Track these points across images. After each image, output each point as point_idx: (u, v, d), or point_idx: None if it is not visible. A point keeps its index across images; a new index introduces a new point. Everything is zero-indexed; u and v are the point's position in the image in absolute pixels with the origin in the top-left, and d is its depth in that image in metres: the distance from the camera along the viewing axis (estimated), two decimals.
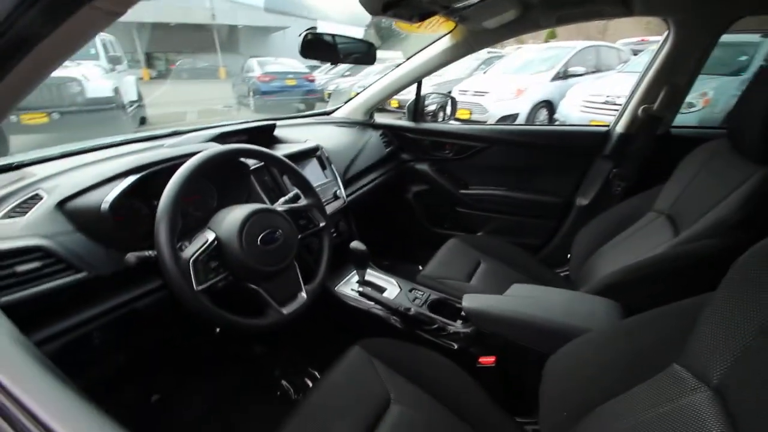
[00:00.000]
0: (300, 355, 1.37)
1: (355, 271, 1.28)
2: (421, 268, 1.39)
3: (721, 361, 0.46)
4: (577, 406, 0.62)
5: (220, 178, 1.06)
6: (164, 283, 0.76)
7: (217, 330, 1.25)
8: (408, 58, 1.69)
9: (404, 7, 1.06)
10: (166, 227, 0.72)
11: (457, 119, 5.75)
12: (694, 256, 0.91)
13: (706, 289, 0.52)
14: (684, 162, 1.16)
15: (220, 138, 1.16)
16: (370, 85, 1.83)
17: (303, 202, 1.04)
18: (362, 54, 1.44)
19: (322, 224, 1.03)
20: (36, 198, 0.83)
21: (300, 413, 0.78)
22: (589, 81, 5.49)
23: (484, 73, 6.92)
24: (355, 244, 1.17)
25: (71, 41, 0.43)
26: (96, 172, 0.87)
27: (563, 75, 5.89)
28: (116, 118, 5.10)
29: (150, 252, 0.75)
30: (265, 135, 1.38)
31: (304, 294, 0.93)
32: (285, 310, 0.87)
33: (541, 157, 1.71)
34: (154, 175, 0.87)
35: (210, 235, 0.80)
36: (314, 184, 1.27)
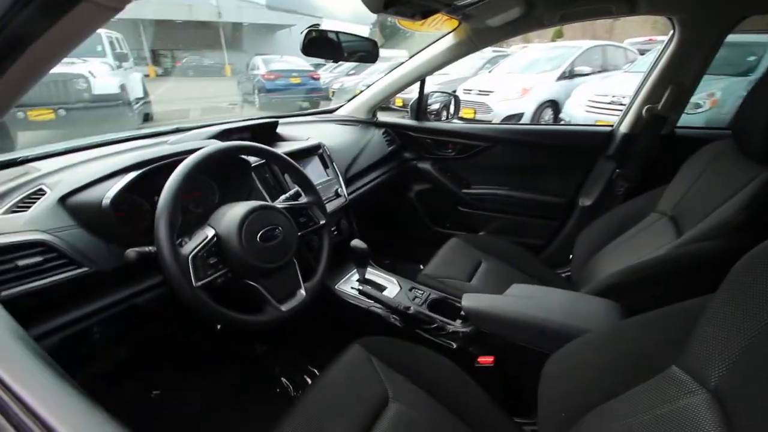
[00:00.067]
0: (300, 352, 1.37)
1: (355, 270, 1.28)
2: (422, 267, 1.39)
3: (720, 363, 0.46)
4: (575, 406, 0.62)
5: (221, 175, 1.06)
6: (164, 279, 0.76)
7: (218, 327, 1.26)
8: (411, 57, 1.68)
9: (406, 5, 1.05)
10: (165, 223, 0.72)
11: (462, 118, 5.74)
12: (696, 257, 0.90)
13: (708, 291, 0.52)
14: (688, 163, 1.15)
15: (223, 135, 1.16)
16: (373, 83, 1.83)
17: (303, 199, 1.04)
18: (365, 52, 1.44)
19: (322, 222, 1.03)
20: (39, 193, 0.84)
21: (298, 411, 0.78)
22: (595, 81, 5.46)
23: (489, 72, 6.89)
24: (356, 243, 1.17)
25: (70, 37, 0.43)
26: (99, 167, 0.88)
27: (569, 74, 5.85)
28: (122, 114, 5.14)
29: (150, 248, 0.75)
30: (267, 132, 1.38)
31: (303, 291, 0.93)
32: (284, 308, 0.87)
33: (544, 156, 1.71)
34: (155, 172, 0.87)
35: (210, 232, 0.80)
36: (315, 182, 1.28)
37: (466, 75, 7.04)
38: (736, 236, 0.88)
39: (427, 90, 1.87)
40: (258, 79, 8.58)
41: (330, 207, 1.31)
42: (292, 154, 1.22)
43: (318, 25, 1.25)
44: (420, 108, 1.86)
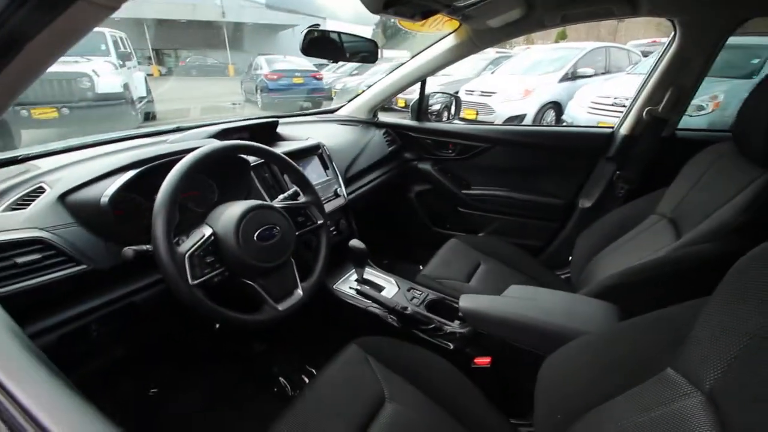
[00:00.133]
0: (297, 352, 1.37)
1: (354, 270, 1.28)
2: (421, 267, 1.39)
3: (715, 366, 0.46)
4: (571, 408, 0.62)
5: (220, 174, 1.07)
6: (161, 278, 0.77)
7: (216, 326, 1.26)
8: (412, 57, 1.68)
9: (406, 5, 1.05)
10: (162, 222, 0.73)
11: (464, 119, 5.75)
12: (696, 259, 0.90)
13: (707, 293, 0.51)
14: (688, 165, 1.15)
15: (222, 134, 1.16)
16: (374, 83, 1.84)
17: (302, 199, 1.04)
18: (365, 52, 1.44)
19: (320, 222, 1.03)
20: (39, 191, 0.85)
21: (295, 410, 0.78)
22: (598, 82, 5.44)
23: (492, 73, 6.88)
24: (354, 243, 1.17)
25: (66, 36, 0.43)
26: (98, 166, 0.88)
27: (572, 76, 5.84)
28: (125, 113, 5.16)
29: (147, 246, 0.75)
30: (267, 132, 1.39)
31: (300, 291, 0.93)
32: (280, 307, 0.87)
33: (544, 158, 1.70)
34: (154, 170, 0.87)
35: (207, 231, 0.80)
36: (315, 182, 1.29)
37: (468, 76, 7.04)
38: (735, 238, 0.88)
39: (428, 91, 1.87)
40: (261, 78, 8.60)
41: (329, 207, 1.32)
42: (291, 154, 1.22)
43: (318, 25, 1.26)
44: (421, 108, 1.87)
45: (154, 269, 0.75)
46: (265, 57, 9.15)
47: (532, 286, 1.03)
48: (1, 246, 0.69)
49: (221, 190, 1.07)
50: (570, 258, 1.38)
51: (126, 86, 5.33)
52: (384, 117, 1.94)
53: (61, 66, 4.50)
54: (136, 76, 6.32)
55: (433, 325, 1.10)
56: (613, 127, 1.59)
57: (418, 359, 0.94)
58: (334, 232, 1.38)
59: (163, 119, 6.54)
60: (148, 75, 8.87)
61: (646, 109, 1.43)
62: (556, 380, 0.69)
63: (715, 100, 3.79)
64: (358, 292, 1.21)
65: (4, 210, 0.79)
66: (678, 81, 1.36)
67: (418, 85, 1.77)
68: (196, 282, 0.75)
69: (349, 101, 1.92)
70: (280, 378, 1.31)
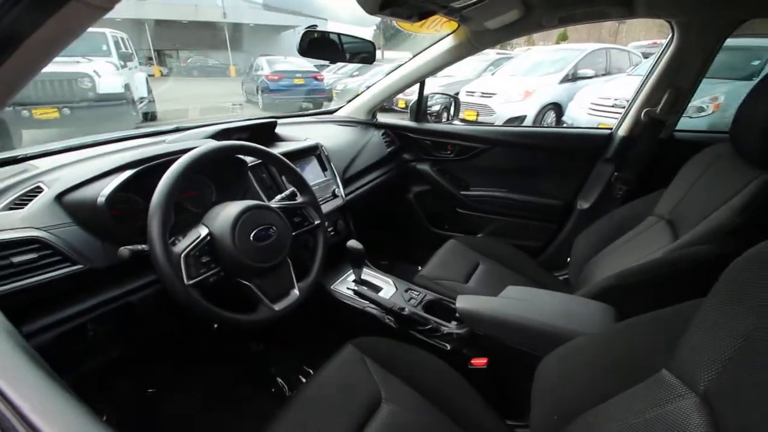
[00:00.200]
0: (295, 353, 1.37)
1: (351, 270, 1.28)
2: (420, 268, 1.39)
3: (709, 368, 0.46)
4: (567, 409, 0.62)
5: (218, 175, 1.07)
6: (158, 278, 0.77)
7: (215, 326, 1.26)
8: (410, 58, 1.69)
9: (402, 6, 1.06)
10: (158, 222, 0.73)
11: (465, 120, 5.75)
12: (692, 260, 0.90)
13: (704, 295, 0.51)
14: (686, 166, 1.15)
15: (221, 135, 1.17)
16: (373, 84, 1.84)
17: (299, 199, 1.04)
18: (362, 53, 1.44)
19: (316, 222, 1.03)
20: (37, 190, 0.85)
21: (291, 410, 0.78)
22: (599, 84, 5.44)
23: (492, 74, 6.88)
24: (352, 243, 1.17)
25: (60, 36, 0.43)
26: (96, 166, 0.89)
27: (572, 77, 5.84)
28: (126, 114, 5.17)
29: (143, 246, 0.76)
30: (265, 132, 1.39)
31: (296, 291, 0.93)
32: (277, 307, 0.87)
33: (542, 159, 1.70)
34: (151, 171, 0.88)
35: (203, 231, 0.80)
36: (313, 183, 1.29)
37: (469, 77, 7.04)
38: (732, 240, 0.88)
39: (428, 92, 1.88)
40: (262, 79, 8.62)
41: (327, 207, 1.32)
42: (289, 155, 1.22)
43: (316, 26, 1.26)
44: (419, 109, 1.87)
45: (150, 269, 0.75)
46: (266, 58, 9.16)
47: (528, 287, 1.03)
48: None
49: (219, 190, 1.08)
50: (568, 259, 1.38)
51: (127, 87, 5.34)
52: (383, 118, 1.95)
53: (62, 66, 4.52)
54: (137, 76, 6.34)
55: (430, 326, 1.10)
56: (610, 128, 1.59)
57: (415, 360, 0.94)
58: (332, 233, 1.38)
59: (163, 119, 6.56)
60: (150, 75, 8.90)
61: (644, 111, 1.43)
62: (552, 381, 0.69)
63: (715, 102, 3.79)
64: (356, 292, 1.21)
65: (2, 209, 0.79)
66: (676, 82, 1.36)
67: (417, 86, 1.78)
68: (191, 282, 0.75)
69: (348, 102, 1.92)
70: (277, 378, 1.31)
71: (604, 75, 5.99)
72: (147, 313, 0.91)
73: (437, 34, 1.58)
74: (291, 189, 1.06)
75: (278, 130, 1.45)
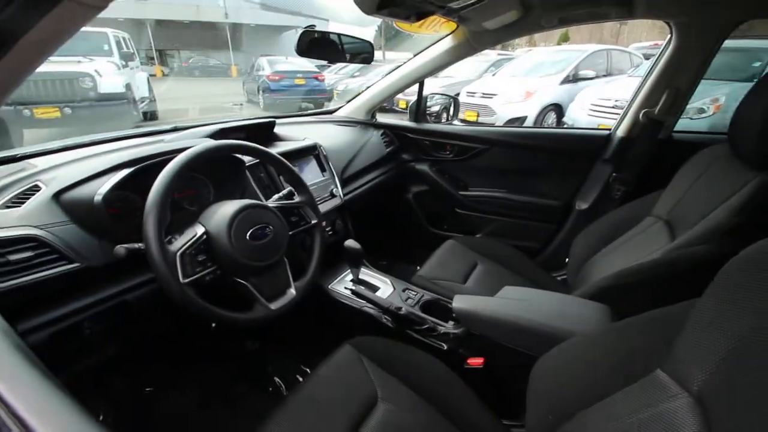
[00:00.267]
0: (293, 352, 1.37)
1: (349, 270, 1.28)
2: (419, 268, 1.39)
3: (702, 368, 0.46)
4: (562, 409, 0.62)
5: (215, 174, 1.07)
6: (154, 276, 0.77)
7: (213, 325, 1.26)
8: (409, 59, 1.69)
9: (400, 7, 1.06)
10: (153, 220, 0.73)
11: (465, 121, 5.75)
12: (690, 261, 0.90)
13: (701, 295, 0.52)
14: (684, 167, 1.15)
15: (219, 134, 1.17)
16: (372, 84, 1.84)
17: (297, 199, 1.04)
18: (360, 53, 1.45)
19: (313, 222, 1.03)
20: (35, 189, 0.85)
21: (287, 409, 0.78)
22: (599, 85, 5.44)
23: (493, 75, 6.88)
24: (350, 243, 1.17)
25: (54, 36, 0.43)
26: (94, 165, 0.89)
27: (573, 78, 5.83)
28: (127, 113, 5.18)
29: (139, 244, 0.76)
30: (263, 132, 1.39)
31: (293, 290, 0.93)
32: (273, 306, 0.87)
33: (541, 159, 1.70)
34: (148, 169, 0.88)
35: (199, 229, 0.81)
36: (311, 182, 1.29)
37: (470, 78, 7.04)
38: (729, 240, 0.87)
39: (428, 92, 1.88)
40: (263, 79, 8.64)
41: (325, 207, 1.32)
42: (287, 154, 1.22)
43: (314, 26, 1.26)
44: (419, 110, 1.87)
45: (147, 268, 0.75)
46: (267, 58, 9.18)
47: (525, 288, 1.03)
48: None
49: (216, 189, 1.08)
50: (567, 260, 1.37)
51: (128, 86, 5.36)
52: (383, 118, 1.95)
53: (63, 66, 4.54)
54: (138, 76, 6.36)
55: (427, 326, 1.10)
56: (609, 129, 1.59)
57: (412, 360, 0.94)
58: (330, 233, 1.38)
59: (164, 119, 6.58)
60: (151, 75, 8.93)
61: (643, 111, 1.43)
62: (547, 381, 0.69)
63: (716, 103, 3.78)
64: (353, 292, 1.21)
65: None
66: (674, 83, 1.36)
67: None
68: (187, 280, 0.75)
69: (347, 102, 1.92)
70: (275, 378, 1.31)
71: (605, 76, 5.98)
72: (144, 311, 0.91)
73: (437, 35, 1.58)
74: (288, 188, 1.06)
75: (277, 129, 1.45)
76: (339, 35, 1.36)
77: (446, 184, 1.86)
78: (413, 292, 1.25)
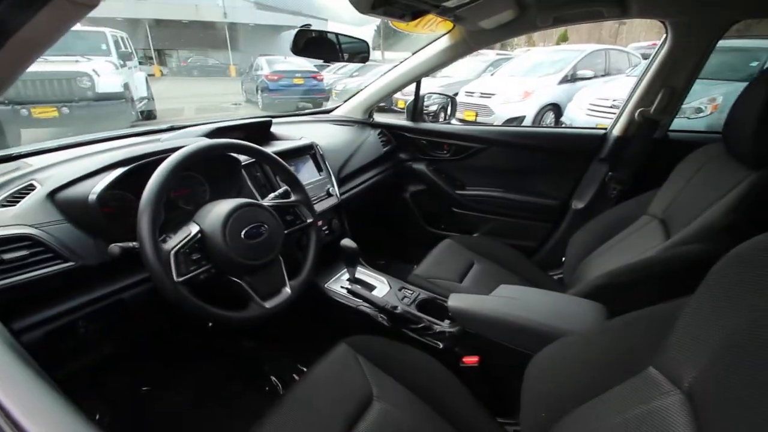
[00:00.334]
0: (289, 351, 1.37)
1: (346, 269, 1.28)
2: (416, 267, 1.39)
3: (694, 365, 0.46)
4: (556, 407, 0.62)
5: (211, 173, 1.07)
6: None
7: (210, 324, 1.26)
8: (406, 58, 1.69)
9: (394, 6, 1.06)
10: (147, 219, 0.73)
11: (464, 121, 5.76)
12: (684, 259, 0.90)
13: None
14: (679, 166, 1.16)
15: (216, 133, 1.17)
16: (370, 84, 1.84)
17: (292, 198, 1.05)
18: (356, 52, 1.44)
19: (309, 221, 1.04)
20: (30, 188, 0.85)
21: (282, 407, 0.78)
22: (598, 84, 5.45)
23: (492, 75, 6.89)
24: (346, 242, 1.17)
25: (45, 34, 0.43)
26: (89, 164, 0.89)
27: (571, 78, 5.85)
28: (125, 113, 5.18)
29: (134, 243, 0.76)
30: (260, 131, 1.39)
31: (288, 289, 0.93)
32: (268, 304, 0.87)
33: (538, 159, 1.71)
34: (144, 168, 0.88)
35: (194, 228, 0.81)
36: (308, 182, 1.29)
37: (468, 78, 7.04)
38: (723, 238, 0.88)
39: (425, 92, 1.88)
40: (261, 79, 8.64)
41: (321, 206, 1.32)
42: (284, 153, 1.22)
43: (310, 25, 1.26)
44: (416, 109, 1.87)
45: (142, 266, 0.75)
46: (266, 58, 9.17)
47: (521, 286, 1.03)
48: None
49: (212, 188, 1.08)
50: (563, 259, 1.38)
51: (126, 86, 5.35)
52: (380, 117, 1.95)
53: (61, 65, 4.53)
54: (136, 76, 6.35)
55: (422, 325, 1.10)
56: (605, 129, 1.59)
57: (407, 358, 0.94)
58: (326, 232, 1.38)
59: (162, 119, 6.57)
60: (150, 75, 8.91)
61: (639, 111, 1.43)
62: (541, 379, 0.69)
63: (713, 103, 3.79)
64: (349, 291, 1.21)
65: None
66: (670, 82, 1.37)
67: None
68: (181, 279, 0.75)
69: (345, 101, 1.92)
70: (271, 377, 1.31)
71: (603, 76, 6.00)
72: (139, 310, 0.91)
73: (434, 34, 1.58)
74: (284, 187, 1.06)
75: (274, 129, 1.46)
76: (335, 34, 1.36)
77: (443, 184, 1.86)
78: (409, 291, 1.25)
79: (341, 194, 1.45)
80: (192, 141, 1.00)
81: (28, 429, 0.35)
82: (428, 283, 1.29)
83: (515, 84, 5.86)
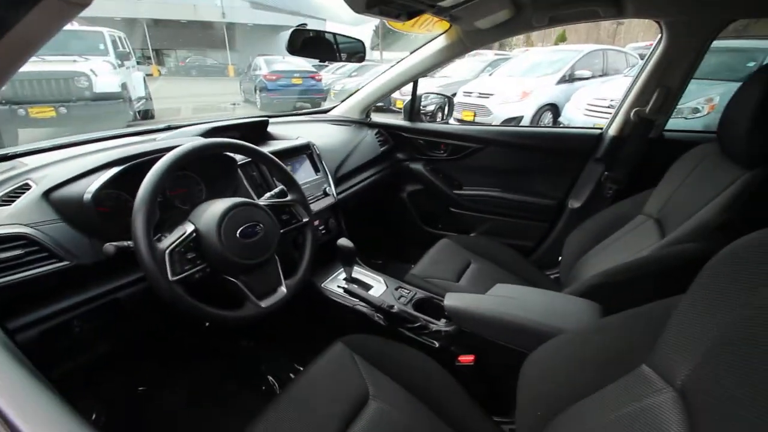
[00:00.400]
0: (285, 350, 1.38)
1: (342, 269, 1.28)
2: (413, 267, 1.39)
3: (686, 362, 0.46)
4: (550, 405, 0.62)
5: (208, 173, 1.07)
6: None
7: (207, 324, 1.26)
8: (403, 58, 1.69)
9: (390, 5, 1.06)
10: (142, 218, 0.73)
11: (462, 121, 5.76)
12: (679, 258, 0.90)
13: None
14: (675, 166, 1.16)
15: (212, 133, 1.17)
16: (367, 83, 1.84)
17: (288, 197, 1.05)
18: (352, 52, 1.44)
19: (305, 220, 1.04)
20: (25, 187, 0.85)
21: (278, 407, 0.78)
22: (595, 85, 5.47)
23: (490, 75, 6.90)
24: (342, 242, 1.17)
25: (37, 34, 0.43)
26: (85, 163, 0.89)
27: (569, 78, 5.86)
28: (123, 113, 5.16)
29: (128, 242, 0.76)
30: (256, 131, 1.39)
31: (284, 288, 0.93)
32: (263, 304, 0.87)
33: (534, 158, 1.71)
34: (140, 168, 0.88)
35: (189, 227, 0.81)
36: (304, 181, 1.29)
37: (466, 78, 7.06)
38: (717, 237, 0.88)
39: (423, 92, 1.88)
40: (260, 79, 8.63)
41: (318, 206, 1.32)
42: (280, 153, 1.23)
43: (306, 24, 1.26)
44: (413, 109, 1.87)
45: (137, 266, 0.75)
46: (264, 58, 9.17)
47: (517, 285, 1.03)
48: None
49: (208, 187, 1.08)
50: (560, 258, 1.38)
51: (124, 86, 5.33)
52: (378, 117, 1.95)
53: (58, 65, 4.52)
54: (134, 76, 6.33)
55: (419, 324, 1.10)
56: (601, 128, 1.59)
57: (404, 358, 0.94)
58: (323, 231, 1.38)
59: (160, 119, 6.56)
60: (148, 75, 8.90)
61: (634, 110, 1.44)
62: (536, 377, 0.69)
63: (710, 103, 3.81)
64: (346, 290, 1.22)
65: None
66: (665, 82, 1.37)
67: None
68: (176, 278, 0.75)
69: (342, 101, 1.92)
70: (268, 376, 1.31)
71: (601, 76, 6.01)
72: (135, 309, 0.91)
73: (430, 34, 1.58)
74: (280, 187, 1.06)
75: (271, 128, 1.46)
76: (332, 34, 1.36)
77: (440, 183, 1.87)
78: (406, 291, 1.25)
79: (338, 194, 1.45)
80: (187, 140, 1.00)
81: (23, 430, 0.35)
82: (425, 282, 1.29)
83: (513, 84, 5.87)
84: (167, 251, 0.75)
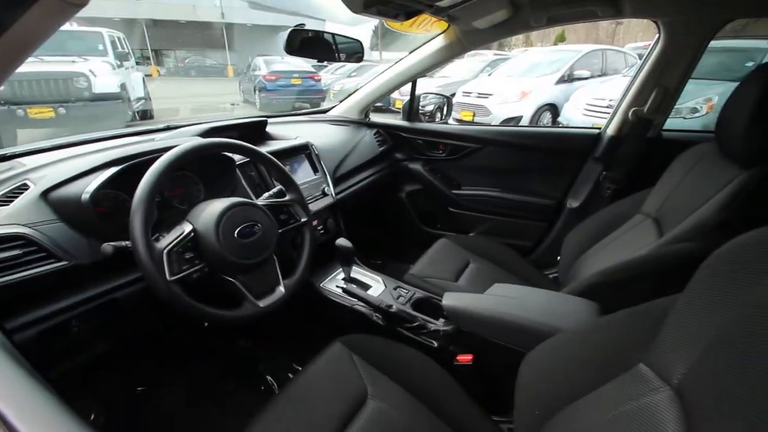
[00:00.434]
0: (284, 350, 1.38)
1: (341, 268, 1.29)
2: (412, 267, 1.39)
3: (683, 361, 0.46)
4: (548, 404, 0.62)
5: (206, 173, 1.07)
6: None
7: (206, 324, 1.26)
8: (401, 58, 1.69)
9: (387, 5, 1.06)
10: (140, 218, 0.73)
11: (461, 121, 5.76)
12: (677, 257, 0.90)
13: None
14: (672, 165, 1.16)
15: (211, 133, 1.17)
16: (366, 84, 1.84)
17: (286, 197, 1.05)
18: (350, 52, 1.45)
19: (303, 220, 1.04)
20: (23, 187, 0.85)
21: (276, 406, 0.78)
22: (594, 85, 5.47)
23: (489, 75, 6.90)
24: (341, 242, 1.17)
25: (35, 33, 0.43)
26: (83, 163, 0.89)
27: (568, 78, 5.86)
28: (122, 113, 5.16)
29: (126, 242, 0.76)
30: (255, 131, 1.39)
31: (282, 288, 0.93)
32: (261, 303, 0.87)
33: (533, 158, 1.71)
34: (138, 168, 0.88)
35: (187, 227, 0.81)
36: (303, 181, 1.29)
37: (466, 78, 7.06)
38: (715, 236, 0.88)
39: (422, 92, 1.88)
40: (259, 79, 8.65)
41: (317, 206, 1.32)
42: (278, 153, 1.23)
43: (304, 25, 1.27)
44: (412, 109, 1.87)
45: (135, 266, 0.75)
46: (264, 58, 9.18)
47: (515, 285, 1.04)
48: None
49: (207, 187, 1.08)
50: (558, 257, 1.38)
51: (123, 86, 5.34)
52: (376, 117, 1.95)
53: (58, 65, 4.52)
54: (133, 76, 6.33)
55: (417, 323, 1.10)
56: (599, 128, 1.60)
57: (402, 357, 0.94)
58: (322, 231, 1.38)
59: (159, 119, 6.56)
60: (147, 75, 8.90)
61: (632, 110, 1.44)
62: (534, 377, 0.69)
63: (709, 103, 3.81)
64: (344, 290, 1.22)
65: None
66: (663, 82, 1.37)
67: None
68: (174, 278, 0.75)
69: (341, 101, 1.92)
70: (267, 376, 1.31)
71: (600, 76, 6.02)
72: (133, 309, 0.91)
73: (429, 34, 1.58)
74: (278, 187, 1.06)
75: (269, 129, 1.46)
76: (330, 34, 1.36)
77: (439, 183, 1.87)
78: (405, 291, 1.25)
79: (337, 194, 1.45)
80: (185, 140, 1.00)
81: (21, 430, 0.35)
82: (424, 282, 1.29)
83: (512, 84, 5.88)
84: (165, 251, 0.75)
